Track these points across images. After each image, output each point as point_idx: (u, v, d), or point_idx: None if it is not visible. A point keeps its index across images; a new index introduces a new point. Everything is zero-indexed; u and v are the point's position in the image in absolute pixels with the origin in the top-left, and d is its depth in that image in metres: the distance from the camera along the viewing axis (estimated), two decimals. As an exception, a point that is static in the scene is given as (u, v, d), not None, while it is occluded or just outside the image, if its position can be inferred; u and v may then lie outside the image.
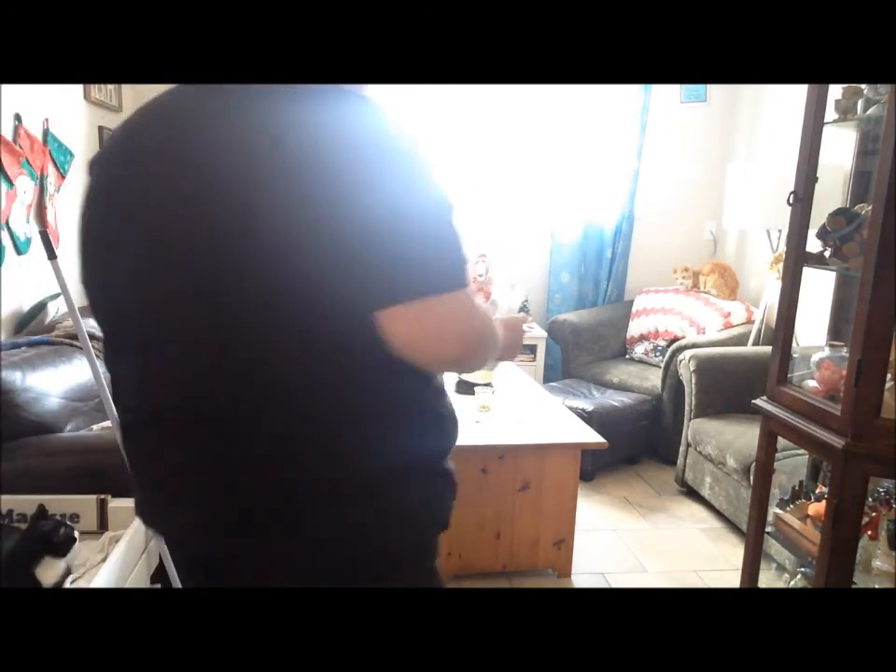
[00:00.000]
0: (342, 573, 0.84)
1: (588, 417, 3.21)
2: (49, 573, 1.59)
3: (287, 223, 0.73)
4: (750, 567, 2.11)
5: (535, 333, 4.12)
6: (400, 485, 0.86)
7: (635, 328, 4.11)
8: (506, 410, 2.69)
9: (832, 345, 1.97)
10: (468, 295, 0.78)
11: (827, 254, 1.90)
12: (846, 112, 1.94)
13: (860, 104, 1.91)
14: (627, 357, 4.13)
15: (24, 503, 1.83)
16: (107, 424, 2.13)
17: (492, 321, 0.86)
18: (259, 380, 0.79)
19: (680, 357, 3.33)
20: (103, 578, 1.58)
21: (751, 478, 2.48)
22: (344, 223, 0.72)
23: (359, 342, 0.78)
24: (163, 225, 0.79)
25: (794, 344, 2.00)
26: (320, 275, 0.74)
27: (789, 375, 2.00)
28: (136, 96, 3.90)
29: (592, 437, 2.51)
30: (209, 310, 0.78)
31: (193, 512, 0.87)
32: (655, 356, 3.92)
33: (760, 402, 2.04)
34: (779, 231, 3.53)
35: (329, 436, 0.81)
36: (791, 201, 1.92)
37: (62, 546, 1.62)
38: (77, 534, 1.67)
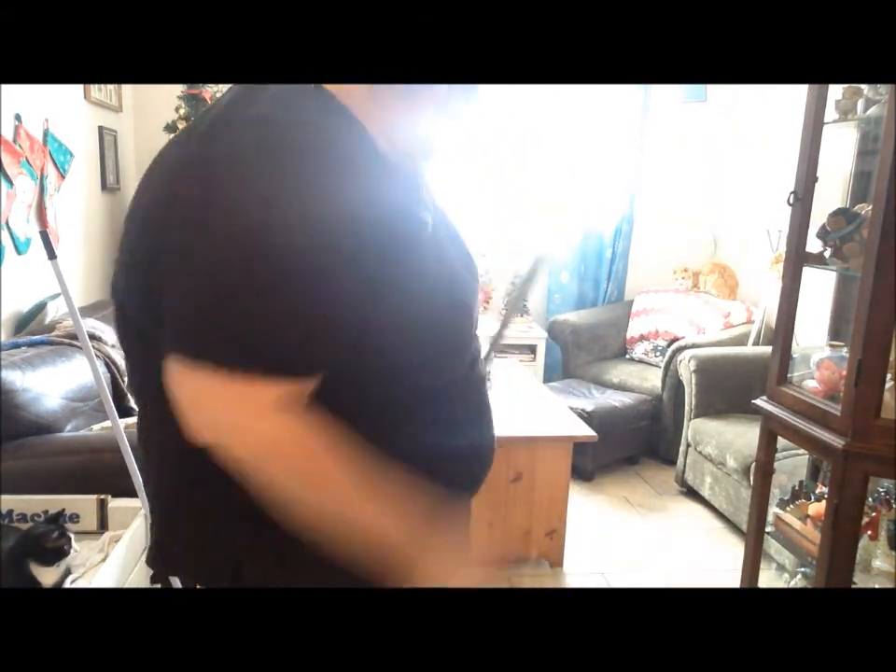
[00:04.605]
0: None
1: (588, 417, 3.21)
2: (44, 576, 1.59)
3: None
4: (750, 567, 2.11)
5: (535, 333, 4.12)
6: None
7: (635, 328, 4.11)
8: (500, 403, 2.69)
9: (832, 345, 1.97)
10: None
11: (827, 254, 1.90)
12: (846, 112, 1.94)
13: (860, 104, 1.91)
14: (627, 357, 4.13)
15: (24, 503, 1.84)
16: (107, 424, 2.12)
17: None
18: None
19: (680, 357, 3.33)
20: (103, 578, 1.58)
21: (751, 478, 2.48)
22: None
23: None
24: None
25: (794, 344, 2.00)
26: None
27: (789, 375, 2.00)
28: (136, 96, 3.91)
29: (583, 430, 2.56)
30: None
31: None
32: (655, 356, 3.92)
33: (760, 402, 2.04)
34: (779, 231, 3.53)
35: None
36: (790, 201, 1.92)
37: (50, 555, 1.59)
38: (73, 548, 1.64)
